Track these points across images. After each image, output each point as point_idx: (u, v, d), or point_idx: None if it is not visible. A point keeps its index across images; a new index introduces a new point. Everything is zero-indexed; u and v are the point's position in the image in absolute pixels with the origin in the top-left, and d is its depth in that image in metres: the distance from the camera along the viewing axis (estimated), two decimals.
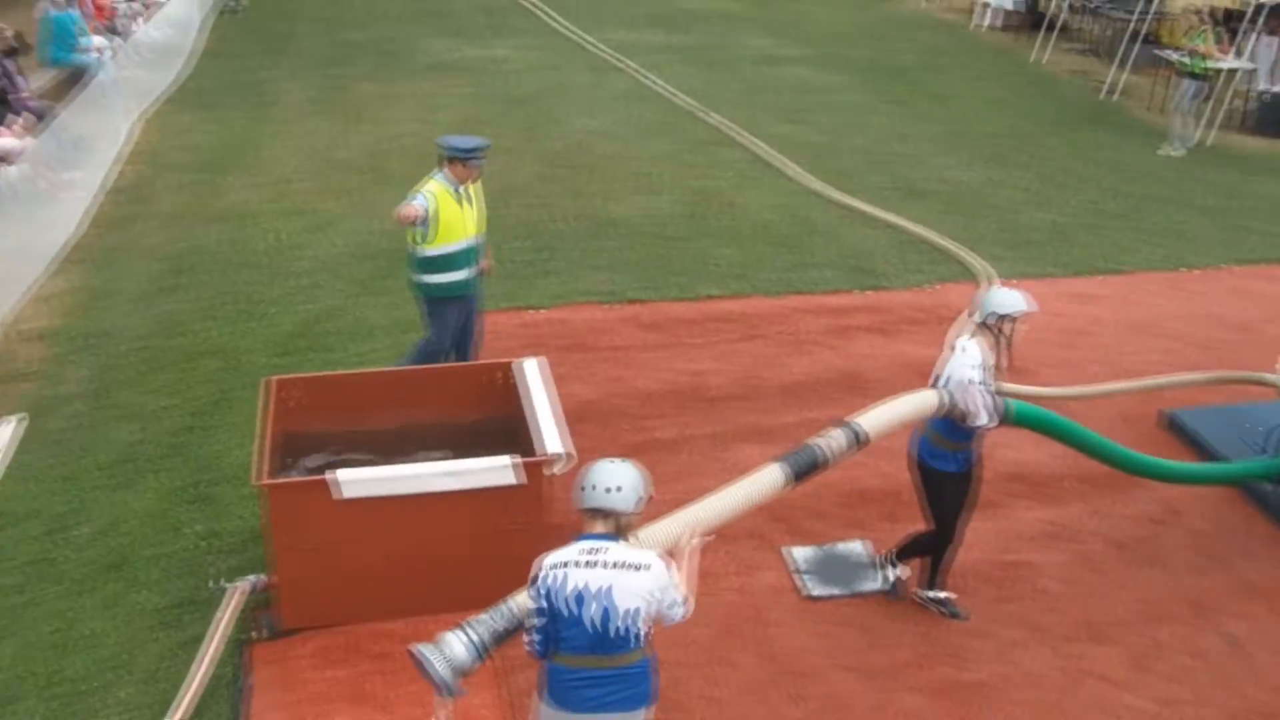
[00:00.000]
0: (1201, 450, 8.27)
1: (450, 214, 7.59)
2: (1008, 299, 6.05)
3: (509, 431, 6.71)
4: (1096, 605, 6.84)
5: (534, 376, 6.95)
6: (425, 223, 7.49)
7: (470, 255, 7.79)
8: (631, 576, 4.28)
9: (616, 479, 4.36)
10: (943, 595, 6.54)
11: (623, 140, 14.08)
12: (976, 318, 6.07)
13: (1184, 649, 6.53)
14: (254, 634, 6.18)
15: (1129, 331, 10.18)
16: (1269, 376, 8.27)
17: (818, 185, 12.89)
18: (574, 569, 4.29)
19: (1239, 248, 12.09)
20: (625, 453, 7.87)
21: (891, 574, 6.62)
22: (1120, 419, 8.59)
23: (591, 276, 10.50)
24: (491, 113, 14.82)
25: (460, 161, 7.57)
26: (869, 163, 13.82)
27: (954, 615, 6.51)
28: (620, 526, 4.38)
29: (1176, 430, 8.60)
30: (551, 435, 6.35)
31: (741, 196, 12.58)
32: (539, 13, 19.83)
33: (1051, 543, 7.37)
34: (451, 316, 7.83)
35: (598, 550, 4.32)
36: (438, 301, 7.78)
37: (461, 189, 7.64)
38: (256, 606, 6.23)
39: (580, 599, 4.26)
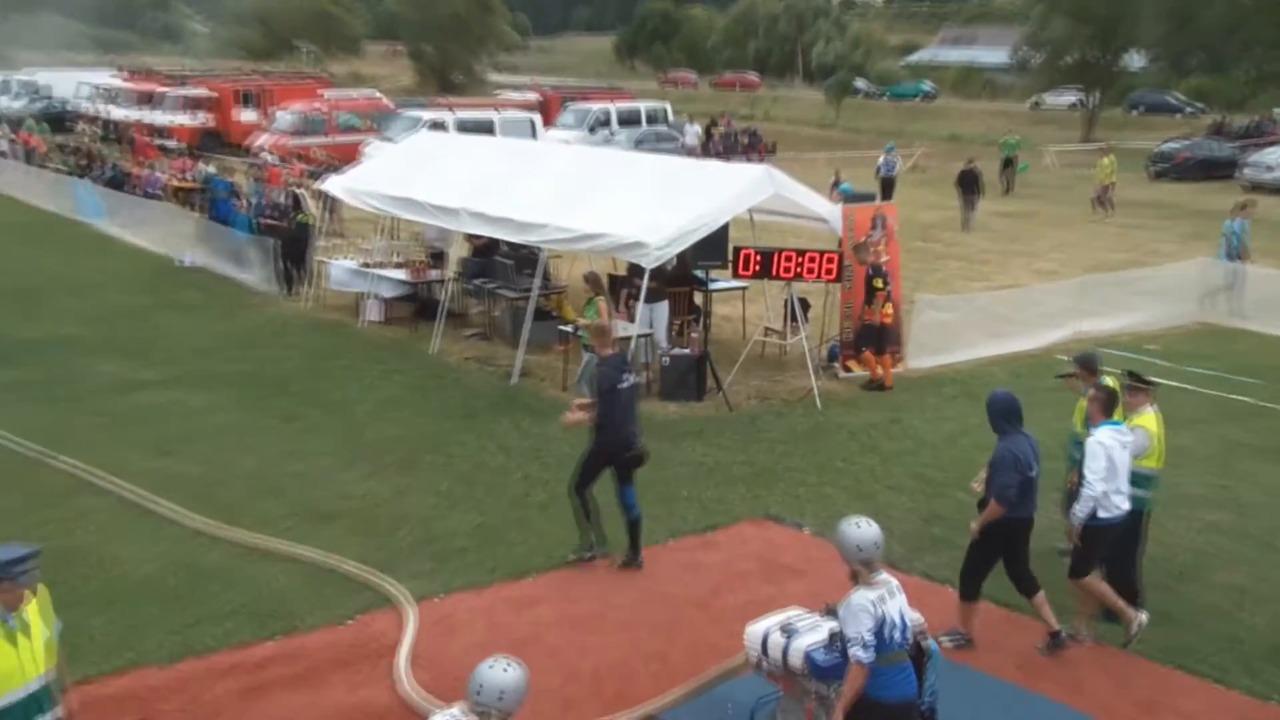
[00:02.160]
0: None
1: None
2: (500, 688, 6.25)
3: None
4: None
5: None
6: None
7: (36, 703, 6.77)
8: None
9: None
10: None
11: None
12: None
13: None
14: None
15: (580, 630, 10.72)
16: (738, 659, 9.00)
17: (205, 524, 12.63)
18: None
19: (676, 519, 13.24)
20: None
21: None
22: None
23: None
24: None
25: (5, 579, 6.61)
26: (261, 490, 13.81)
27: None
28: None
29: None
30: None
31: (114, 550, 12.08)
32: None
33: None
34: None
35: None
36: None
37: (12, 617, 6.68)
38: None
39: None
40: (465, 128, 38.54)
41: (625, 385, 11.79)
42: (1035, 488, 10.22)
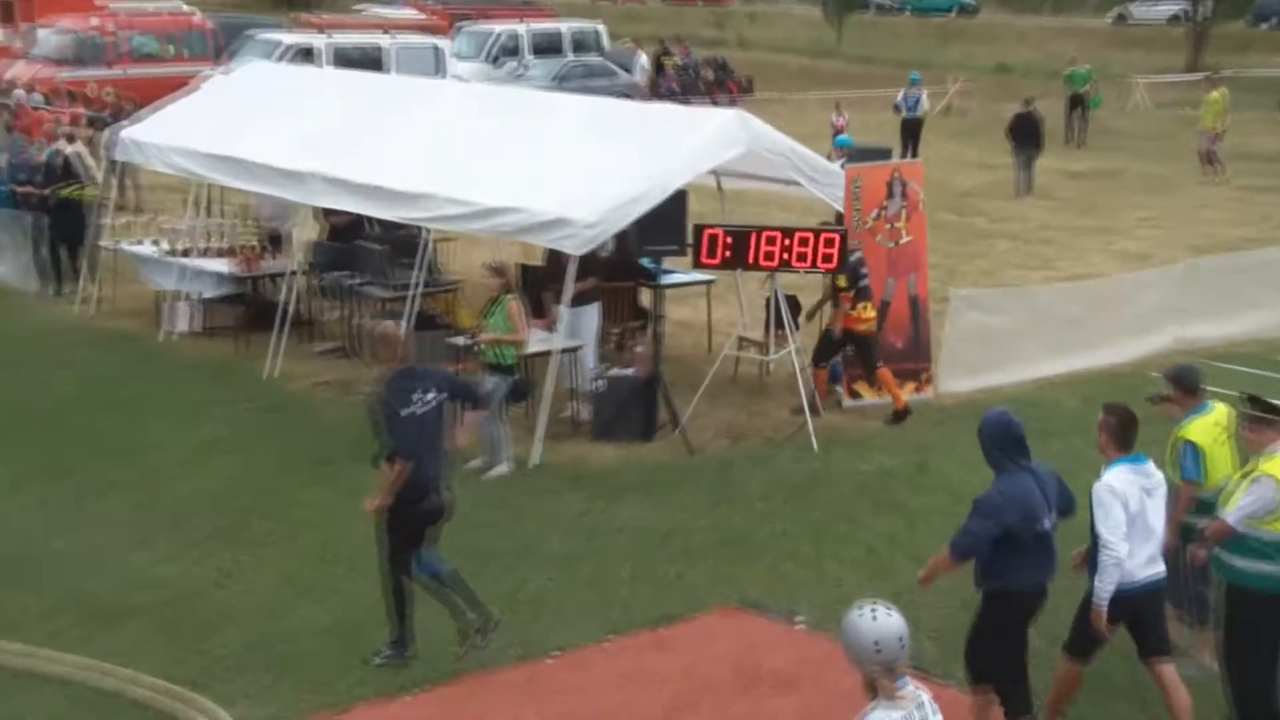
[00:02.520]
0: None
1: None
2: None
3: None
4: None
5: None
6: None
7: None
8: None
9: None
10: None
11: None
12: None
13: None
14: None
15: None
16: None
17: None
18: None
19: (615, 609, 13.22)
20: None
21: None
22: None
23: None
24: None
25: None
26: (13, 578, 13.74)
27: None
28: None
29: None
30: None
31: None
32: None
33: None
34: None
35: None
36: None
37: None
38: None
39: None
40: (346, 59, 38.64)
41: (419, 409, 11.83)
42: (1050, 546, 10.24)
